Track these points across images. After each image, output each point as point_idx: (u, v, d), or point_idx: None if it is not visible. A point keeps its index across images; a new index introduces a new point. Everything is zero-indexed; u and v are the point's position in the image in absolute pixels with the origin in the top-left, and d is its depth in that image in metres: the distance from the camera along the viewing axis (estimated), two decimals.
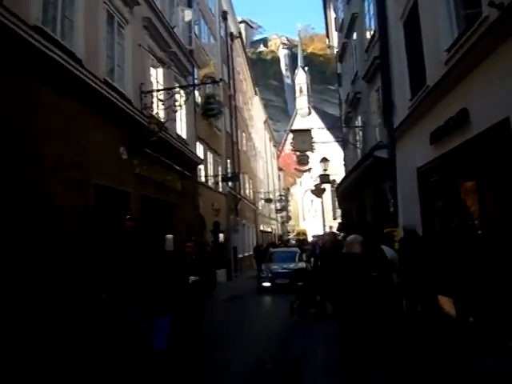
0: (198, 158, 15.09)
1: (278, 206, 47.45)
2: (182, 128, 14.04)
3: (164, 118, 11.05)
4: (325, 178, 21.33)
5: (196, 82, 12.74)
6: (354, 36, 14.07)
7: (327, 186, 31.27)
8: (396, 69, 9.31)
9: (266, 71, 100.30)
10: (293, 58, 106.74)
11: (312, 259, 22.47)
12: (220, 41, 23.17)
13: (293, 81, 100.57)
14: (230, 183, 21.93)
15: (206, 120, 13.12)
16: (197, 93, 15.73)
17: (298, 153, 16.76)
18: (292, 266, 14.45)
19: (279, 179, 56.29)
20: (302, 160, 17.45)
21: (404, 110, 8.67)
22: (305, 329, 8.65)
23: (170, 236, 12.65)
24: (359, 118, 13.91)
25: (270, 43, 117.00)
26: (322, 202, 71.92)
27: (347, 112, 15.87)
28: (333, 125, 24.75)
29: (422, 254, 6.10)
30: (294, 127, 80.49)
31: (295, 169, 26.14)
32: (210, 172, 18.97)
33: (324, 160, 21.31)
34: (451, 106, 6.15)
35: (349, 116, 15.57)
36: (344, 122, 16.07)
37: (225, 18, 25.06)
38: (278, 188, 50.35)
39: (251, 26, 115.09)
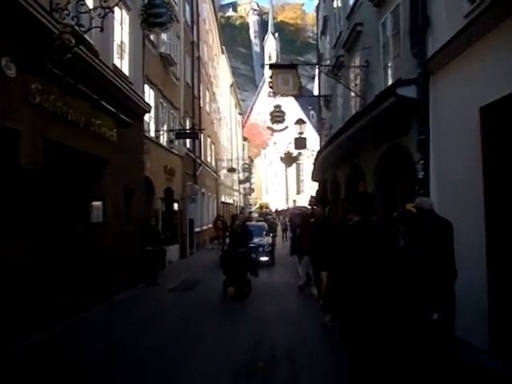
0: (145, 103, 11.63)
1: (242, 176, 44.37)
2: (123, 60, 10.53)
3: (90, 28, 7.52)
4: (301, 143, 18.04)
5: None
6: None
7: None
8: None
9: (234, 38, 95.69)
10: (262, 26, 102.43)
11: (288, 232, 21.46)
12: None
13: (262, 49, 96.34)
14: (187, 144, 18.51)
15: (148, 31, 9.57)
16: None
17: (272, 108, 13.51)
18: (257, 240, 13.69)
19: (243, 149, 52.82)
20: (277, 117, 14.19)
21: (453, 23, 5.56)
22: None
23: (97, 203, 9.30)
24: (357, 60, 10.75)
25: (239, 8, 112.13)
26: (287, 175, 69.77)
27: (338, 56, 12.62)
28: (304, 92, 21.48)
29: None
30: (260, 96, 76.67)
31: (268, 127, 22.95)
32: (164, 128, 15.52)
33: (300, 122, 18.17)
34: None
35: (340, 61, 12.32)
36: (332, 72, 12.89)
37: None
38: (242, 158, 46.94)
39: None
